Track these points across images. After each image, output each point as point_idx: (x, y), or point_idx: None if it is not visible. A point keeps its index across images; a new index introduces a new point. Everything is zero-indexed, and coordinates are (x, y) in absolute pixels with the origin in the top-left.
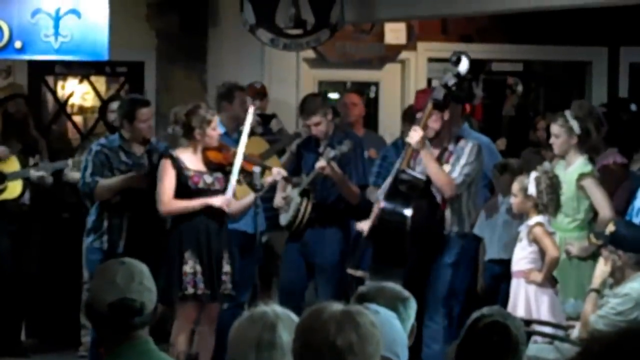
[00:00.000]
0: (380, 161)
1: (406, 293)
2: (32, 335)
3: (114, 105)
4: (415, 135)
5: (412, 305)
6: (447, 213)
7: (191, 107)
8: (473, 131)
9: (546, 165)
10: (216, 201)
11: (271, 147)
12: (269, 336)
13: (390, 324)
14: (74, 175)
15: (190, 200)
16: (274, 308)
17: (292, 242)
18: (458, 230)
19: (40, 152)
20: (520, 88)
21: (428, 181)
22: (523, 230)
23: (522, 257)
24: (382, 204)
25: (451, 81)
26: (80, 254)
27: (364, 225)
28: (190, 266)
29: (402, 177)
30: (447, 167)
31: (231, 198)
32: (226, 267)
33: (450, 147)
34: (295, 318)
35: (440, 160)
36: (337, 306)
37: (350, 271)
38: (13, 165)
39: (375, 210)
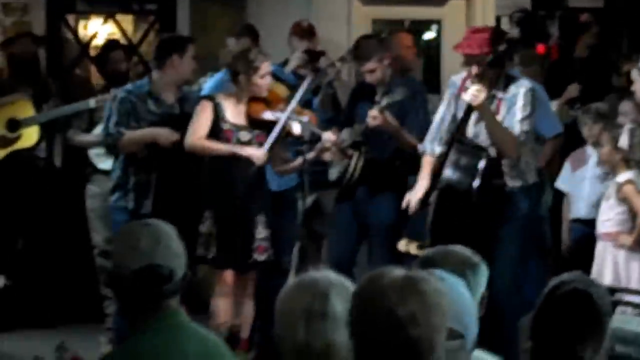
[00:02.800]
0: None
1: (476, 258)
2: (55, 305)
3: (118, 54)
4: (479, 95)
5: (483, 272)
6: (505, 167)
7: (240, 49)
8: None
9: None
10: (247, 151)
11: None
12: (321, 306)
13: (458, 292)
14: (80, 138)
15: (218, 144)
16: (326, 275)
17: (343, 201)
18: (522, 185)
19: (53, 96)
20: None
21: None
22: (611, 187)
23: (610, 217)
24: (446, 173)
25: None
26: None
27: (412, 196)
28: (206, 226)
29: (461, 145)
30: (498, 118)
31: (265, 153)
32: (262, 233)
33: (499, 94)
34: (349, 286)
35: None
36: (398, 272)
37: (402, 246)
38: (27, 110)
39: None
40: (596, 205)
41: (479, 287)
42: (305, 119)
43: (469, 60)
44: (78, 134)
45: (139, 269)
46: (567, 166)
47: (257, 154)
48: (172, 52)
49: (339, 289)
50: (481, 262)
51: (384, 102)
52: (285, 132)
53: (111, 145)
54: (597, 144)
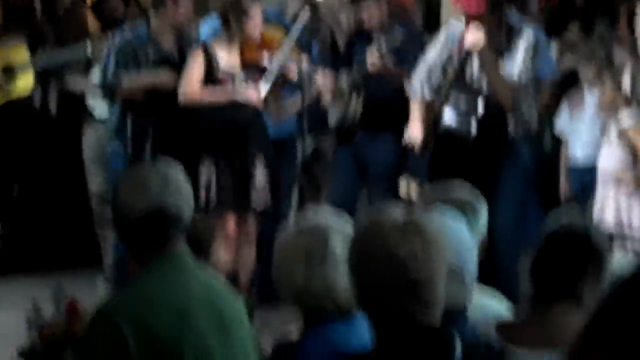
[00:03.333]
0: None
1: (478, 198)
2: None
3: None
4: (477, 35)
5: (482, 212)
6: (507, 114)
7: None
8: None
9: None
10: (243, 94)
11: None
12: (320, 248)
13: (456, 227)
14: (77, 84)
15: (214, 92)
16: (325, 217)
17: (342, 144)
18: (522, 131)
19: (49, 42)
20: None
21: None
22: (613, 129)
23: (612, 159)
24: (445, 119)
25: None
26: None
27: (411, 133)
28: (206, 171)
29: (460, 92)
30: (499, 67)
31: (262, 95)
32: (261, 181)
33: (503, 45)
34: (349, 228)
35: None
36: (398, 212)
37: (403, 186)
38: (22, 55)
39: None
40: (592, 148)
41: (478, 227)
42: (301, 64)
43: (468, 17)
44: (75, 79)
45: (148, 209)
46: (564, 110)
47: (253, 95)
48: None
49: (338, 231)
50: (481, 201)
51: (383, 48)
52: (281, 76)
53: (109, 92)
54: (593, 86)
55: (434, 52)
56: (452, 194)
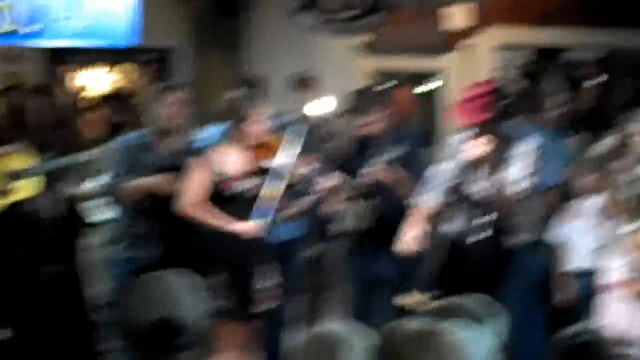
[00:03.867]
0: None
1: (487, 311)
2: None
3: (112, 105)
4: (483, 147)
5: (494, 325)
6: (510, 222)
7: (230, 100)
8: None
9: None
10: (240, 227)
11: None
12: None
13: (469, 345)
14: (76, 190)
15: (213, 213)
16: (337, 328)
17: (354, 255)
18: (526, 239)
19: (52, 147)
20: (598, 78)
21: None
22: (617, 236)
23: (619, 265)
24: (447, 228)
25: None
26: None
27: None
28: (215, 279)
29: (463, 201)
30: (502, 173)
31: (257, 226)
32: (265, 283)
33: (505, 151)
34: (361, 337)
35: (495, 168)
36: (414, 325)
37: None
38: (24, 162)
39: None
40: (590, 257)
41: (489, 339)
42: (305, 166)
43: (468, 126)
44: (74, 186)
45: (153, 321)
46: (560, 218)
47: (247, 229)
48: (152, 101)
49: (351, 340)
50: (497, 314)
51: (383, 158)
52: (286, 179)
53: (112, 197)
54: (588, 195)
55: (441, 163)
56: (465, 308)
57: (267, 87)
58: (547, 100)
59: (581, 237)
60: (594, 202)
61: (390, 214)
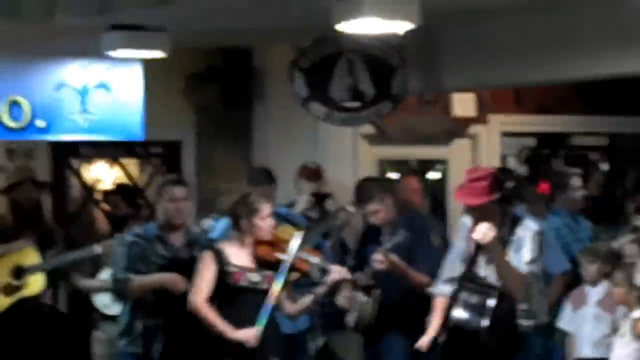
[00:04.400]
0: None
1: None
2: None
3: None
4: (488, 233)
5: None
6: (517, 307)
7: (239, 195)
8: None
9: None
10: (242, 335)
11: (309, 234)
12: None
13: None
14: (85, 283)
15: (220, 318)
16: None
17: (367, 347)
18: (534, 324)
19: (57, 243)
20: (605, 165)
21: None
22: (626, 324)
23: (626, 354)
24: (456, 312)
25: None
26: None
27: (423, 343)
28: None
29: (471, 285)
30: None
31: (259, 333)
32: None
33: (506, 236)
34: None
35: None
36: None
37: None
38: (31, 257)
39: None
40: (599, 344)
41: None
42: (314, 259)
43: (469, 209)
44: (83, 278)
45: None
46: (567, 305)
47: (249, 336)
48: (155, 196)
49: None
50: None
51: (387, 245)
52: (295, 272)
53: (120, 291)
54: (595, 283)
55: (452, 250)
56: None
57: (276, 178)
58: (570, 182)
59: (588, 325)
60: (600, 290)
61: (396, 303)
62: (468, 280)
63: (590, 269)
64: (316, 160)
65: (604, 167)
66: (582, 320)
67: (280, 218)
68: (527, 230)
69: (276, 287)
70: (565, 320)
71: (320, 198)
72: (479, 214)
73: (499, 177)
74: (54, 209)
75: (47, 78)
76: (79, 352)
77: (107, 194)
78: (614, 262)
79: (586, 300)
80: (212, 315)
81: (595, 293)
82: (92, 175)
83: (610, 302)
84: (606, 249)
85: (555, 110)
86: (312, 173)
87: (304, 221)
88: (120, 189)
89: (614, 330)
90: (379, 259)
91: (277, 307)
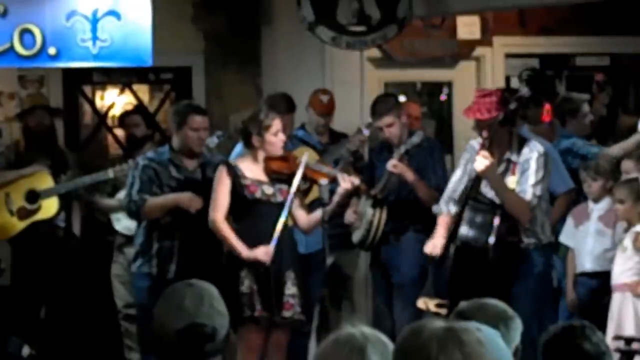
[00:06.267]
0: None
1: (510, 312)
2: None
3: (135, 118)
4: (483, 161)
5: (517, 326)
6: (520, 225)
7: (250, 112)
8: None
9: None
10: (256, 254)
11: (323, 157)
12: (357, 358)
13: (495, 343)
14: (106, 201)
15: (236, 237)
16: (361, 329)
17: (374, 264)
18: (536, 242)
19: (71, 167)
20: (609, 86)
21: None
22: (628, 238)
23: (628, 268)
24: (462, 230)
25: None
26: (108, 280)
27: (431, 247)
28: (246, 286)
29: (477, 204)
30: (511, 180)
31: (272, 252)
32: (291, 289)
33: (514, 157)
34: (385, 340)
35: (504, 174)
36: (438, 323)
37: (421, 304)
38: (46, 181)
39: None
40: (601, 258)
41: (512, 340)
42: (325, 168)
43: (478, 125)
44: (103, 197)
45: (183, 328)
46: (569, 221)
47: (262, 255)
48: (171, 122)
49: (376, 343)
50: (515, 316)
51: (403, 148)
52: (308, 181)
53: (134, 212)
54: (597, 200)
55: (458, 171)
56: (486, 310)
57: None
58: (581, 108)
59: (590, 239)
60: (603, 206)
61: (409, 205)
62: (473, 198)
63: (593, 185)
64: (324, 84)
65: (608, 88)
66: (584, 235)
67: (298, 140)
68: (534, 151)
69: (291, 190)
70: (567, 236)
71: (334, 137)
72: (488, 132)
73: (507, 94)
74: (67, 135)
75: (58, 6)
76: (93, 272)
77: (126, 114)
78: (616, 178)
79: (589, 216)
80: (229, 234)
81: (597, 209)
82: (104, 102)
83: (611, 217)
84: (608, 166)
85: (558, 32)
86: (324, 107)
87: (319, 144)
88: (139, 109)
89: (615, 245)
90: (394, 164)
91: (292, 225)
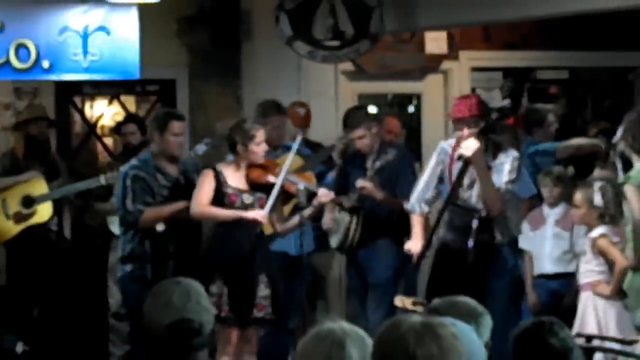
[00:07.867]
0: None
1: (480, 309)
2: None
3: (131, 126)
4: (472, 145)
5: (487, 322)
6: (494, 225)
7: (235, 121)
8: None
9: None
10: (250, 214)
11: (306, 163)
12: (338, 353)
13: (469, 337)
14: (101, 206)
15: (223, 210)
16: (341, 324)
17: (350, 266)
18: (508, 240)
19: (62, 174)
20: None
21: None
22: (586, 243)
23: (589, 269)
24: (441, 233)
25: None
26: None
27: (412, 246)
28: (217, 286)
29: (456, 208)
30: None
31: (267, 214)
32: (264, 291)
33: (489, 161)
34: (363, 334)
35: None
36: (416, 317)
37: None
38: (41, 187)
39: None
40: (560, 260)
41: (482, 335)
42: (300, 185)
43: (459, 124)
44: (98, 202)
45: (172, 323)
46: (525, 226)
47: (260, 214)
48: (153, 128)
49: (354, 337)
50: (485, 313)
51: (377, 164)
52: (285, 192)
53: (132, 224)
54: (554, 205)
55: (428, 170)
56: (458, 307)
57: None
58: (547, 118)
59: (548, 243)
60: (559, 211)
61: (383, 218)
62: (452, 203)
63: (554, 190)
64: (300, 95)
65: (562, 100)
66: (541, 239)
67: (285, 148)
68: (510, 156)
69: (269, 206)
70: (525, 241)
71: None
72: (467, 130)
73: (483, 100)
74: (59, 143)
75: (52, 22)
76: (84, 273)
77: (122, 123)
78: (572, 184)
79: (544, 220)
80: (215, 209)
81: (553, 214)
82: (94, 112)
83: (568, 221)
84: (566, 172)
85: (521, 47)
86: (301, 119)
87: (306, 151)
88: (132, 118)
89: (573, 247)
90: (361, 185)
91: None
